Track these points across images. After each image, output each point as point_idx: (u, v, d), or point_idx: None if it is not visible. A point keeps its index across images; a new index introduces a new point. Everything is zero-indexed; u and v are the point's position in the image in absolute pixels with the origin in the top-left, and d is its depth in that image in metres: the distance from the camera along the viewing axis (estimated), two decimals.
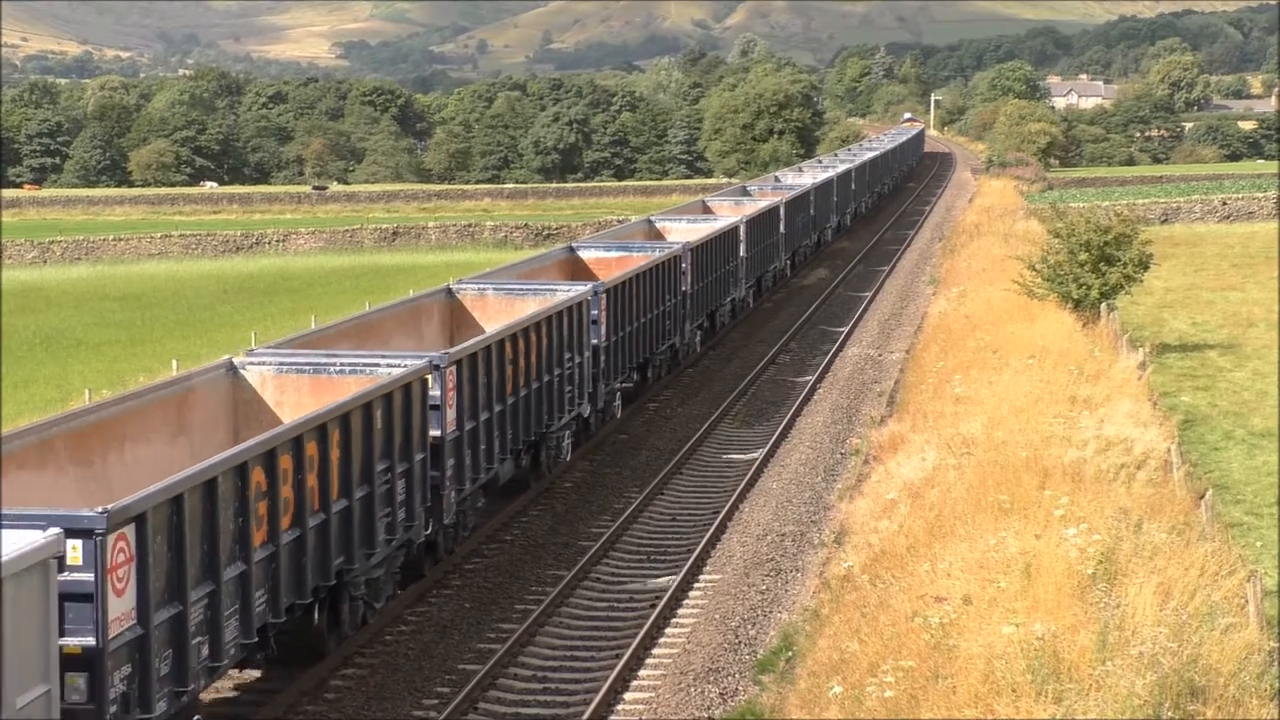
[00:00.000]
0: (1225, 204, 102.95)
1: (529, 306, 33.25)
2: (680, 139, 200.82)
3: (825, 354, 48.45)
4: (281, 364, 25.37)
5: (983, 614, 17.23)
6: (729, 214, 60.57)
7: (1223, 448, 32.93)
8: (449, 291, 35.30)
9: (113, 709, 15.81)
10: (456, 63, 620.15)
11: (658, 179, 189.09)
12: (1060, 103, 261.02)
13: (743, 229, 54.74)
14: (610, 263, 43.68)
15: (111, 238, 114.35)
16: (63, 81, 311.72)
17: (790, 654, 21.79)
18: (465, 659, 22.68)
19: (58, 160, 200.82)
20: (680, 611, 24.75)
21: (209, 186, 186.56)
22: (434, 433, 25.21)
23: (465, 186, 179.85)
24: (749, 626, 23.91)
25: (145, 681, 16.50)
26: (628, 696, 21.32)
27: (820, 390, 43.00)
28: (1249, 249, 76.28)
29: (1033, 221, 74.39)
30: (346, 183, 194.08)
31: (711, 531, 28.69)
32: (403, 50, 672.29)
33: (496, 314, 34.25)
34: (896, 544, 22.56)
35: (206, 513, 17.88)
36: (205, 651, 17.85)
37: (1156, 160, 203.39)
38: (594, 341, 35.15)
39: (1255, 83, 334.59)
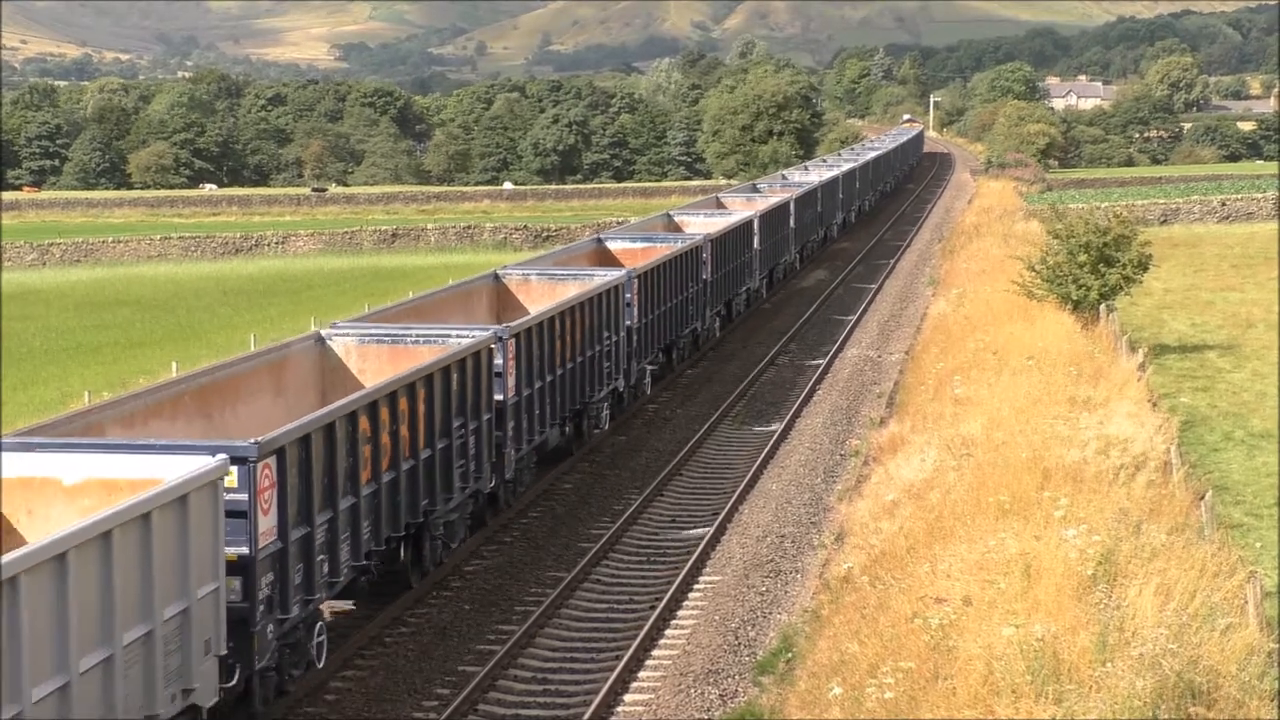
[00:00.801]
0: (1224, 205, 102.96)
1: (569, 290, 36.24)
2: (679, 140, 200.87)
3: (825, 355, 48.45)
4: (363, 335, 28.77)
5: (982, 615, 17.23)
6: (743, 209, 63.34)
7: (1222, 449, 32.94)
8: (496, 277, 38.44)
9: (260, 608, 19.11)
10: (455, 64, 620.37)
11: (657, 180, 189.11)
12: (1059, 104, 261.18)
13: (757, 223, 57.74)
14: (636, 253, 46.64)
15: (111, 240, 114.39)
16: (62, 84, 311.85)
17: (790, 655, 21.78)
18: (465, 660, 22.68)
19: (57, 162, 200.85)
20: (680, 613, 24.75)
21: (208, 188, 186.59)
22: (498, 397, 28.64)
23: (464, 188, 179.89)
24: (749, 628, 23.91)
25: (284, 587, 19.85)
26: (627, 698, 21.31)
27: (820, 391, 43.00)
28: (1248, 250, 76.29)
29: (1032, 222, 74.39)
30: (345, 184, 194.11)
31: (711, 532, 28.70)
32: (401, 52, 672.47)
33: (539, 297, 37.19)
34: (896, 545, 22.56)
35: (327, 451, 21.17)
36: (326, 568, 21.20)
37: (1155, 161, 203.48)
38: (627, 323, 38.42)
39: (1254, 83, 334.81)
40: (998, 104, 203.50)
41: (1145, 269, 45.33)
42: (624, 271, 38.69)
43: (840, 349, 49.82)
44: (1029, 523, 20.33)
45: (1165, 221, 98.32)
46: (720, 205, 68.85)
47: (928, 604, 18.35)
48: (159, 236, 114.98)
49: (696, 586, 26.08)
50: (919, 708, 15.81)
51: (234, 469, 18.64)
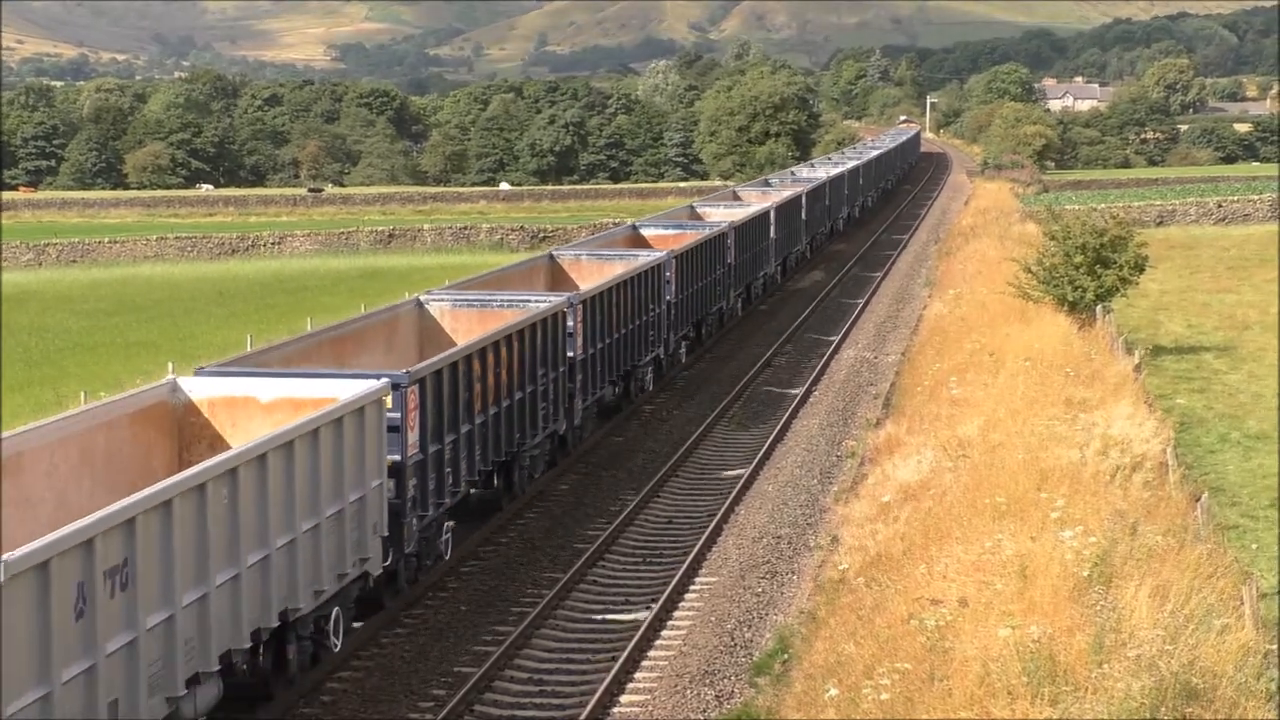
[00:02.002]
0: (1220, 206, 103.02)
1: (616, 268, 40.86)
2: (676, 141, 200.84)
3: (821, 356, 48.45)
4: (455, 301, 33.91)
5: (979, 616, 17.23)
6: (759, 201, 68.09)
7: (1218, 450, 32.95)
8: (551, 257, 43.83)
9: (409, 505, 23.98)
10: (452, 65, 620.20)
11: (653, 181, 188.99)
12: (1055, 105, 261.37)
13: (773, 214, 62.47)
14: (668, 238, 51.52)
15: (107, 240, 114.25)
16: (58, 84, 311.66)
17: (786, 656, 21.78)
18: (461, 661, 22.67)
19: (53, 163, 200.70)
20: (676, 614, 24.74)
21: (205, 189, 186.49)
22: (569, 354, 33.42)
23: (461, 189, 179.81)
24: (745, 629, 23.90)
25: (424, 490, 24.81)
26: (623, 699, 21.31)
27: (816, 393, 43.01)
28: (1244, 251, 76.35)
29: (1028, 224, 74.44)
30: (342, 185, 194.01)
31: (707, 534, 28.71)
32: (398, 53, 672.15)
33: (589, 275, 41.92)
34: (892, 546, 22.57)
35: (453, 384, 26.13)
36: (450, 480, 26.19)
37: (1152, 163, 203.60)
38: (666, 299, 43.14)
39: (1250, 85, 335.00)
40: (994, 105, 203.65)
41: (1141, 270, 45.34)
42: (665, 253, 43.68)
43: (837, 350, 49.82)
44: (1025, 524, 20.33)
45: (1161, 223, 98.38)
46: (737, 198, 73.91)
47: (924, 605, 18.35)
48: (155, 237, 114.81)
49: (693, 587, 26.07)
50: (915, 709, 15.81)
51: (389, 393, 23.31)
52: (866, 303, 61.41)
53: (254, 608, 18.78)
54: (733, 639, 23.47)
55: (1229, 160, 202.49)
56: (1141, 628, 15.99)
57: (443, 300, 33.76)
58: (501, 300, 33.76)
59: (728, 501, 31.01)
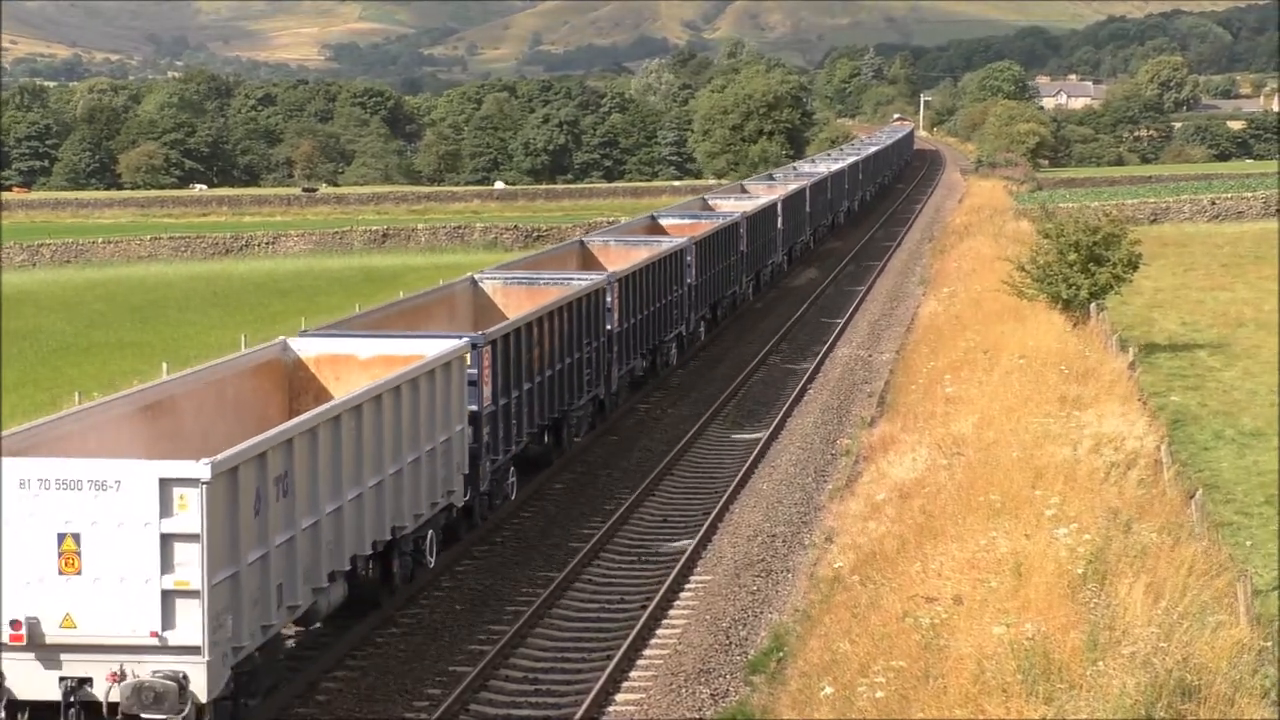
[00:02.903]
0: (1214, 204, 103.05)
1: (641, 254, 44.37)
2: (670, 140, 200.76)
3: (815, 355, 48.46)
4: (505, 279, 37.66)
5: (973, 614, 17.24)
6: (766, 194, 72.24)
7: (1212, 447, 32.98)
8: (581, 244, 48.08)
9: (484, 449, 28.02)
10: (446, 65, 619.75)
11: (647, 180, 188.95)
12: (1049, 103, 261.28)
13: (780, 205, 66.44)
14: (684, 227, 55.13)
15: (101, 240, 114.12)
16: (51, 84, 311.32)
17: (781, 654, 21.80)
18: (457, 660, 22.67)
19: (47, 163, 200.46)
20: (671, 612, 24.75)
21: (198, 189, 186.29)
22: (608, 327, 37.16)
23: (455, 188, 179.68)
24: (740, 627, 23.92)
25: (495, 438, 28.83)
26: (619, 698, 21.31)
27: (811, 391, 43.02)
28: (1238, 249, 76.39)
29: (1022, 222, 74.39)
30: (336, 185, 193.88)
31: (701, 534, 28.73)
32: (392, 53, 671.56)
33: (618, 259, 45.02)
34: (887, 544, 22.57)
35: (517, 347, 30.02)
36: (514, 432, 29.98)
37: (1145, 160, 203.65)
38: (688, 281, 46.94)
39: (1244, 83, 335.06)
40: (988, 103, 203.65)
41: (1135, 268, 45.36)
42: (687, 239, 47.55)
43: (831, 348, 49.83)
44: (1020, 522, 20.34)
45: (1155, 220, 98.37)
46: (745, 191, 78.30)
47: (919, 603, 18.36)
48: (149, 237, 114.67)
49: (688, 586, 26.08)
50: (910, 707, 15.82)
51: (469, 352, 27.22)
52: (861, 300, 61.41)
53: (373, 522, 22.82)
54: (728, 637, 23.48)
55: (1223, 157, 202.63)
56: (1136, 625, 16.01)
57: (495, 279, 37.61)
58: (547, 278, 37.62)
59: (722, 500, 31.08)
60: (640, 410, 40.41)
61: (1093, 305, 42.97)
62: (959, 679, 15.67)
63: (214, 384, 24.15)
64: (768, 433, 37.06)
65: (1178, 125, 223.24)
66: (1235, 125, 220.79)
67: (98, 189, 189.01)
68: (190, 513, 17.81)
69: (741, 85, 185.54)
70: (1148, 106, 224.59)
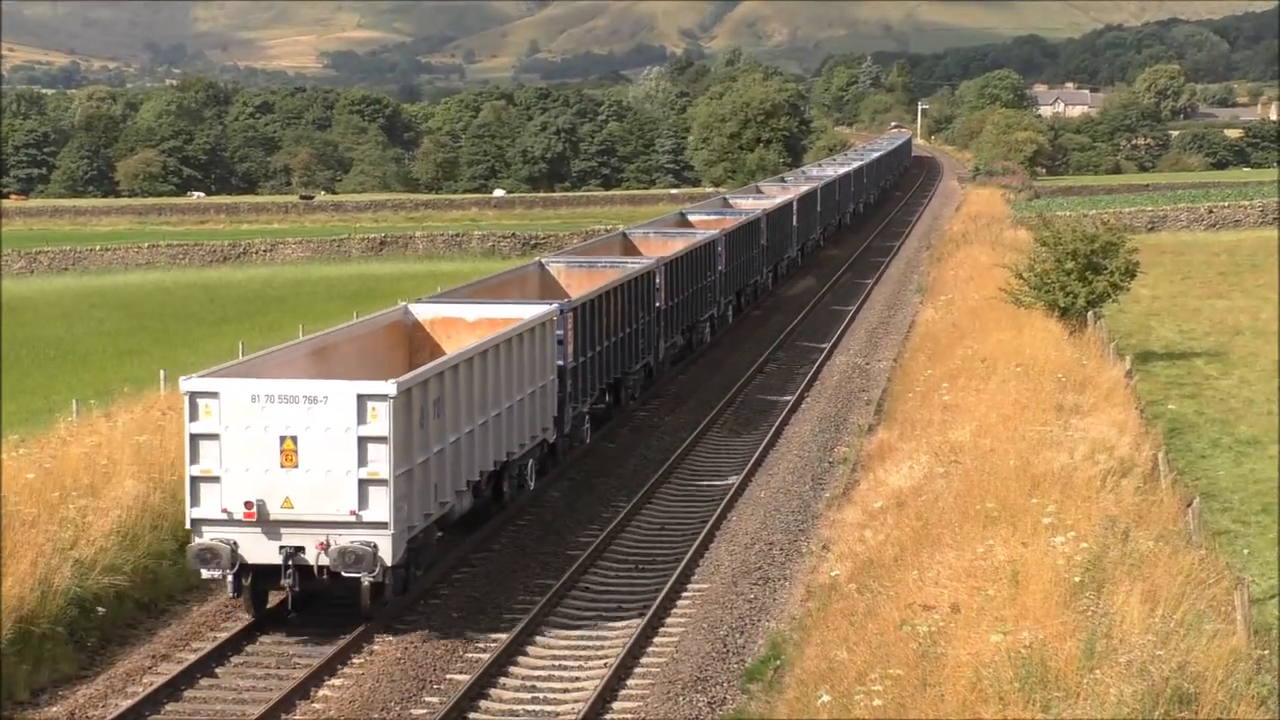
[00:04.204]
0: (1211, 212, 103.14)
1: (678, 245, 49.45)
2: (667, 148, 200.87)
3: (813, 363, 48.47)
4: (568, 263, 43.01)
5: (971, 622, 17.24)
6: (781, 194, 77.45)
7: (1209, 455, 33.00)
8: (624, 235, 53.62)
9: (567, 399, 33.45)
10: (443, 72, 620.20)
11: (645, 188, 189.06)
12: (1047, 111, 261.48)
13: (795, 204, 72.05)
14: (712, 222, 59.75)
15: (99, 248, 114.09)
16: (49, 92, 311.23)
17: (778, 662, 21.80)
18: (454, 668, 22.66)
19: (45, 170, 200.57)
20: (668, 620, 24.74)
21: (196, 196, 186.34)
22: (656, 304, 42.66)
23: (453, 196, 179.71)
24: (737, 635, 23.91)
25: (575, 389, 34.32)
26: (616, 705, 21.30)
27: (808, 399, 43.03)
28: (1235, 257, 76.47)
29: (1020, 230, 74.48)
30: (334, 192, 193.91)
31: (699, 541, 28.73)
32: (389, 60, 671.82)
33: (657, 248, 50.02)
34: (884, 552, 22.58)
35: (590, 316, 35.52)
36: (589, 386, 35.73)
37: (1143, 168, 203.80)
38: (719, 269, 52.26)
39: (1241, 91, 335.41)
40: (985, 111, 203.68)
41: (1132, 276, 45.41)
42: (718, 232, 52.97)
43: (829, 356, 49.85)
44: (1017, 530, 20.35)
45: (1153, 229, 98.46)
46: (760, 191, 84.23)
47: (916, 611, 18.37)
48: (147, 244, 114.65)
49: (685, 594, 26.07)
50: (907, 715, 15.82)
51: (556, 315, 32.51)
52: (858, 309, 61.43)
53: (492, 446, 28.17)
54: (725, 645, 23.47)
55: (1220, 166, 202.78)
56: (1133, 633, 16.02)
57: (559, 262, 42.93)
58: (605, 262, 43.24)
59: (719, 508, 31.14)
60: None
61: (1090, 313, 43.01)
62: (956, 687, 15.67)
63: (355, 338, 29.87)
64: (765, 439, 37.15)
65: (1175, 133, 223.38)
66: (1232, 134, 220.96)
67: (95, 196, 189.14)
68: (380, 420, 23.17)
69: (739, 93, 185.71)
70: (1145, 115, 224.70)
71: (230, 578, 23.47)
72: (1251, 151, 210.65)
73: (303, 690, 21.55)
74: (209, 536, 23.49)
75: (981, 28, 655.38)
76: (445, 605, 25.53)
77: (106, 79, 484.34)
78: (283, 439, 23.22)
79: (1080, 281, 43.81)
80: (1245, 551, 24.77)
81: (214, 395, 23.48)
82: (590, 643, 23.93)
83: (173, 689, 21.68)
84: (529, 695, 21.79)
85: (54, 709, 21.33)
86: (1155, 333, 51.23)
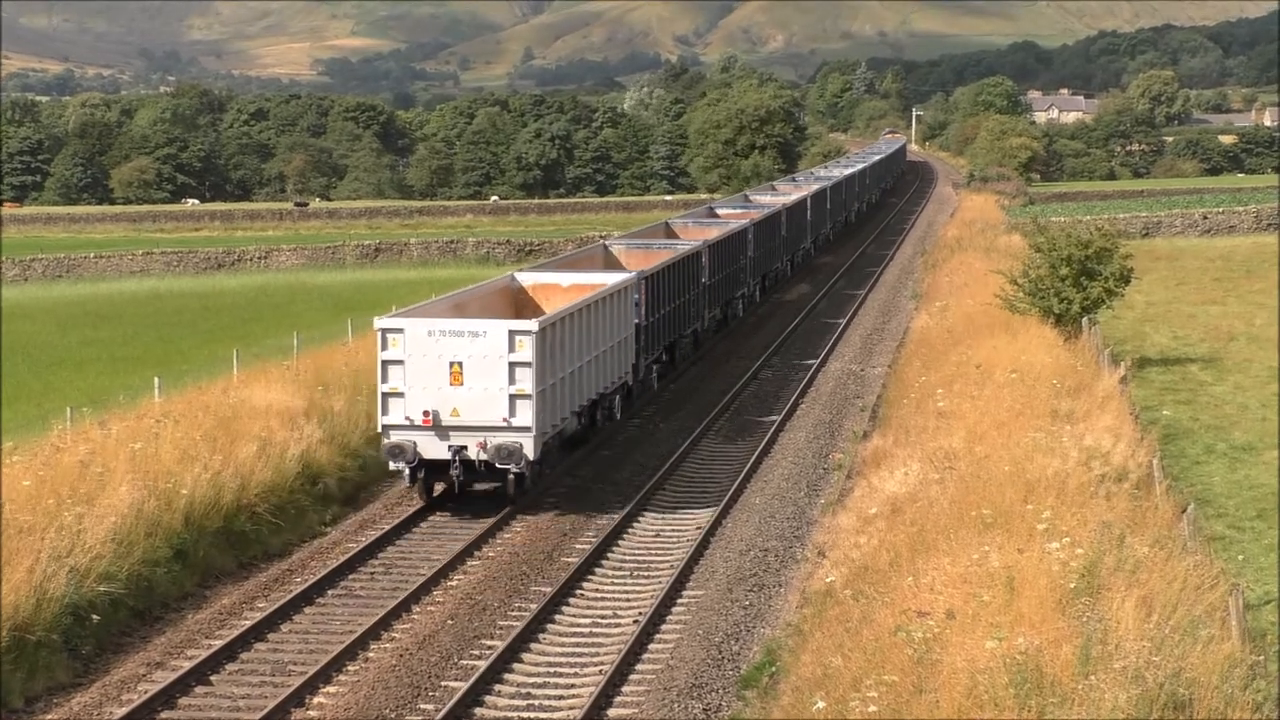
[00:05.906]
0: (1206, 218, 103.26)
1: (712, 233, 56.22)
2: (662, 155, 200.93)
3: (808, 369, 48.49)
4: (628, 244, 50.59)
5: (966, 628, 17.25)
6: (795, 191, 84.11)
7: (1204, 461, 33.02)
8: (666, 225, 61.10)
9: (640, 350, 40.31)
10: (438, 79, 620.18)
11: (640, 194, 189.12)
12: (1041, 117, 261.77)
13: (809, 201, 79.37)
14: (737, 214, 66.14)
15: (93, 255, 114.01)
16: (44, 99, 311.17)
17: (774, 669, 21.79)
18: (450, 675, 22.65)
19: (39, 178, 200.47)
20: (663, 627, 24.73)
21: (191, 203, 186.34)
22: (702, 280, 49.60)
23: (447, 203, 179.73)
24: (732, 642, 23.90)
25: (646, 344, 41.38)
26: (611, 713, 21.29)
27: (803, 405, 43.04)
28: (1230, 263, 76.55)
29: (1014, 236, 74.52)
30: (328, 199, 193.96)
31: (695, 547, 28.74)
32: (383, 68, 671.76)
33: (697, 234, 57.16)
34: (879, 558, 22.58)
35: (657, 285, 42.57)
36: (655, 343, 42.72)
37: (1137, 175, 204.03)
38: (750, 254, 59.66)
39: (1235, 97, 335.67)
40: (980, 118, 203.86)
41: (1127, 282, 45.44)
42: (747, 221, 60.23)
43: (824, 362, 49.87)
44: (1012, 536, 20.36)
45: (1147, 235, 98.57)
46: (774, 188, 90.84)
47: (911, 617, 18.37)
48: (141, 252, 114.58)
49: (680, 601, 26.07)
50: None
51: (634, 283, 39.17)
52: (852, 316, 61.47)
53: (591, 382, 35.00)
54: (720, 651, 23.46)
55: (1214, 172, 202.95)
56: (1128, 639, 16.02)
57: (620, 244, 50.64)
58: (659, 244, 51.01)
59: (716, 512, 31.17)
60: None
61: (1085, 319, 43.01)
62: (951, 693, 15.67)
63: (478, 297, 36.48)
64: (760, 445, 37.28)
65: (1169, 139, 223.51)
66: (1227, 139, 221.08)
67: (90, 204, 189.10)
68: (526, 350, 30.21)
69: (734, 100, 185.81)
70: (1139, 121, 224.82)
71: (408, 470, 30.58)
72: (1246, 157, 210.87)
73: (297, 698, 21.55)
74: (395, 437, 30.40)
75: (976, 35, 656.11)
76: (441, 610, 25.51)
77: (101, 86, 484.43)
78: (451, 364, 30.27)
79: (1075, 287, 43.83)
80: (1240, 557, 24.79)
81: (399, 330, 30.56)
82: (586, 649, 23.91)
83: (167, 697, 21.68)
84: (524, 702, 21.75)
85: (49, 717, 21.33)
86: (1150, 339, 51.26)
